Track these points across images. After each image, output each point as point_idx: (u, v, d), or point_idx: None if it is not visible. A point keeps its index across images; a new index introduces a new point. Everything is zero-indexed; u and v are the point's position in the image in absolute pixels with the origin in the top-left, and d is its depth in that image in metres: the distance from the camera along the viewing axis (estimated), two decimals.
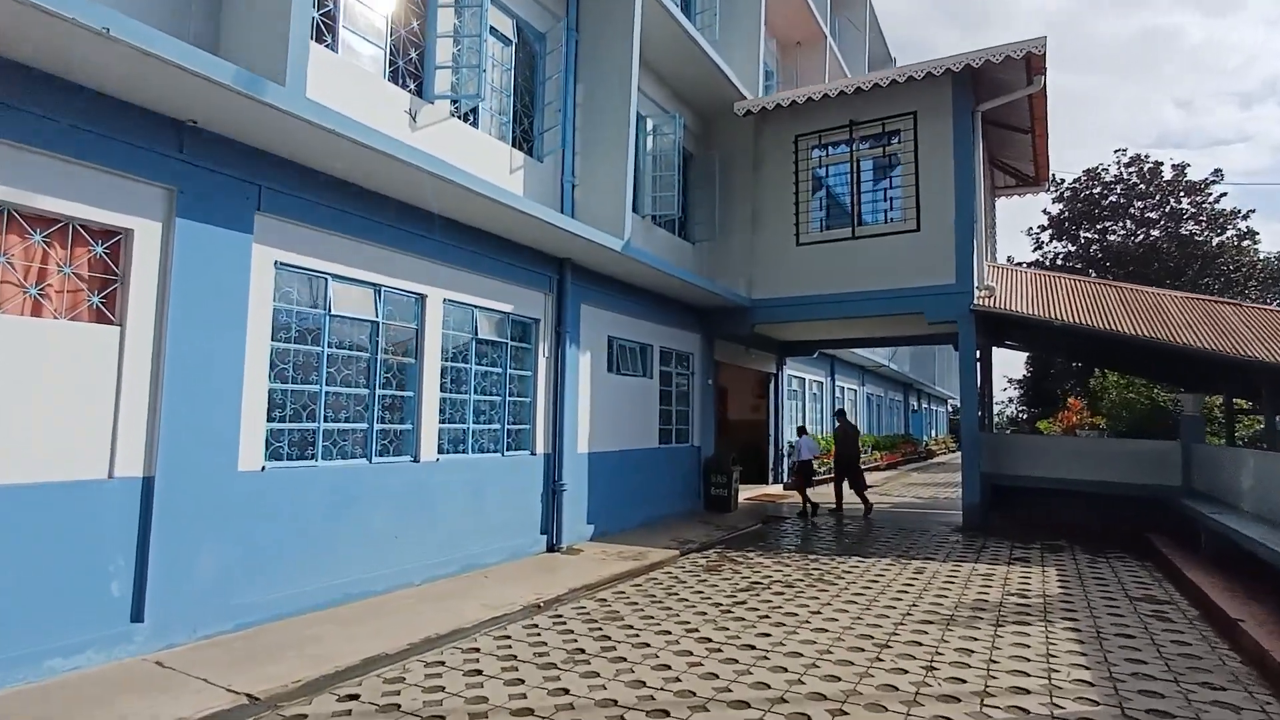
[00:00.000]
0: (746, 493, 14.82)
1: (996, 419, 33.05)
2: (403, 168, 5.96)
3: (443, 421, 7.32)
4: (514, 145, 8.55)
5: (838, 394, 21.73)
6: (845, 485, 12.93)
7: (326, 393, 6.12)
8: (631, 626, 5.49)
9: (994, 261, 13.93)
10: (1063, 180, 33.95)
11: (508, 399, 8.22)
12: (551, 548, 8.57)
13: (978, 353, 12.06)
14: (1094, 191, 32.91)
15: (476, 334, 7.77)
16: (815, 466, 12.85)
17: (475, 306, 7.76)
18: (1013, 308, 10.53)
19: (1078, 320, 9.92)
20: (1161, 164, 31.45)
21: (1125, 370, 15.00)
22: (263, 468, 5.49)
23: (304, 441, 5.96)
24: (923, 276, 11.13)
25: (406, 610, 5.87)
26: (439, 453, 7.22)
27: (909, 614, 5.86)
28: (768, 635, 5.26)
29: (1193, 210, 30.76)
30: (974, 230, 10.87)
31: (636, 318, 10.81)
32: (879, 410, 28.01)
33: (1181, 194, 30.89)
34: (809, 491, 12.35)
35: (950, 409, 51.38)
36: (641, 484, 10.75)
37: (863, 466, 20.88)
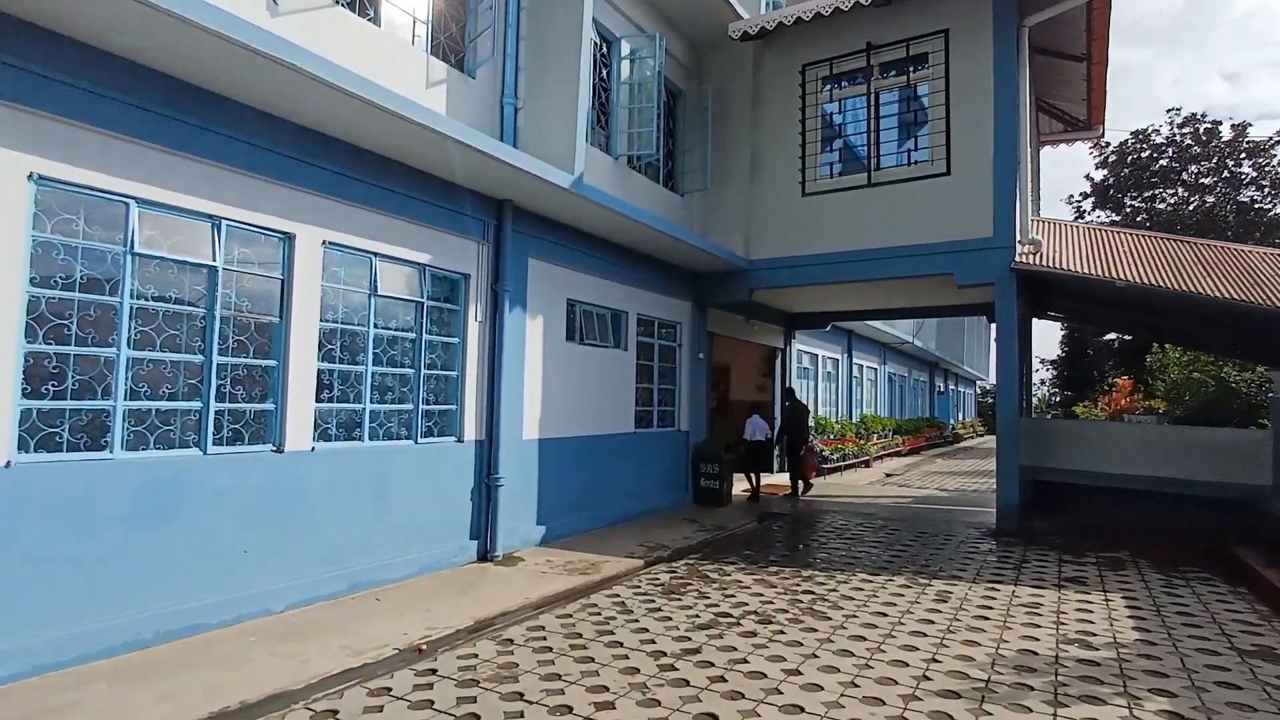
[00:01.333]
0: (745, 483, 13.11)
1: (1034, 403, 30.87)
2: (234, 53, 4.30)
3: (324, 400, 5.71)
4: (435, 54, 6.82)
5: (855, 372, 19.84)
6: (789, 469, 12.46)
7: (131, 359, 4.52)
8: (523, 694, 3.85)
9: (1038, 216, 11.92)
10: (1108, 144, 31.30)
11: (424, 372, 6.57)
12: (484, 556, 6.97)
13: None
14: (1142, 155, 30.22)
15: (376, 289, 6.11)
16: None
17: (375, 254, 6.10)
18: (1064, 266, 8.61)
19: (1148, 281, 7.99)
20: (1220, 124, 28.67)
21: (1201, 345, 12.88)
22: (8, 463, 3.90)
23: (96, 426, 4.37)
24: (953, 229, 9.23)
25: (233, 656, 4.29)
26: (317, 440, 5.61)
27: (926, 677, 4.14)
28: (712, 718, 3.58)
29: (1254, 175, 27.98)
30: (1017, 172, 8.94)
31: (606, 278, 9.08)
32: (901, 391, 26.04)
33: (1243, 156, 28.12)
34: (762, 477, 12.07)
35: (978, 391, 49.03)
36: (612, 476, 9.09)
37: (882, 453, 19.18)
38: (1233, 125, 28.60)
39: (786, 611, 5.40)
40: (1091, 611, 5.48)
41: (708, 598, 5.78)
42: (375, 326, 6.13)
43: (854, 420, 18.69)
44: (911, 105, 9.83)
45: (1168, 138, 29.74)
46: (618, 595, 5.88)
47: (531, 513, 7.68)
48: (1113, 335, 35.45)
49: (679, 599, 5.74)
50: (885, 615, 5.33)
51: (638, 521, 9.25)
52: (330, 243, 5.67)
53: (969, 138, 9.22)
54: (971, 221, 9.13)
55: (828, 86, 10.41)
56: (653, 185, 10.24)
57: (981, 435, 39.32)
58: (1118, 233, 10.12)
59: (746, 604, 5.59)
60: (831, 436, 15.85)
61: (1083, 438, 9.36)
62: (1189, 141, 29.33)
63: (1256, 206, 27.60)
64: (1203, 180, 29.00)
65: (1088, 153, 34.74)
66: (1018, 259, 8.81)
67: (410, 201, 6.33)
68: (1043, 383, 43.86)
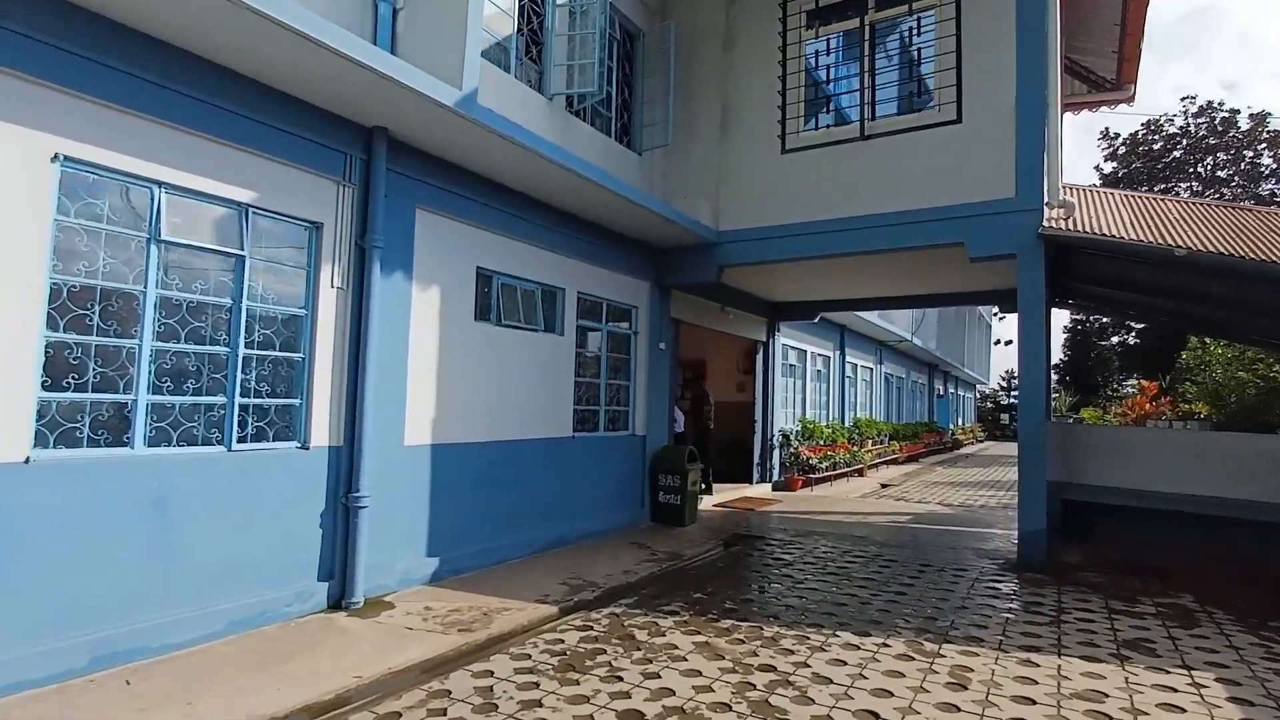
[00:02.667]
0: (721, 496, 11.36)
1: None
2: None
3: (63, 388, 3.92)
4: None
5: (848, 372, 18.08)
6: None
7: None
8: None
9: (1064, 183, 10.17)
10: (1118, 135, 29.69)
11: (245, 353, 4.79)
12: (338, 603, 5.17)
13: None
14: (1154, 147, 28.62)
15: (159, 233, 4.32)
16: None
17: (160, 184, 4.31)
18: (1109, 232, 6.87)
19: (1218, 249, 6.24)
20: (1237, 113, 27.04)
21: (1253, 339, 11.12)
22: None
23: None
24: (966, 190, 7.49)
25: None
26: (49, 445, 3.83)
27: None
28: None
29: (1275, 166, 26.37)
30: (1045, 119, 7.20)
31: (535, 245, 7.31)
32: (899, 393, 24.28)
33: (1262, 147, 26.50)
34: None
35: (978, 395, 47.35)
36: (540, 491, 7.31)
37: (877, 460, 17.43)
38: (1251, 115, 27.01)
39: (729, 708, 3.61)
40: (1183, 709, 3.70)
41: (619, 678, 3.99)
42: (159, 286, 4.34)
43: (846, 424, 16.94)
44: (914, 40, 8.09)
45: (1181, 128, 28.18)
46: (491, 672, 4.09)
47: (419, 541, 5.90)
48: (1116, 339, 33.85)
49: (576, 681, 3.95)
50: (875, 716, 3.55)
51: (574, 548, 7.47)
52: (70, 158, 3.88)
53: (985, 77, 7.48)
54: (988, 179, 7.39)
55: (814, 22, 8.66)
56: (602, 138, 8.48)
57: (982, 441, 37.67)
58: (1163, 200, 8.41)
59: (673, 691, 3.81)
60: (821, 442, 14.09)
61: (1124, 447, 7.62)
62: (1204, 132, 27.74)
63: (1277, 200, 26.00)
64: (1219, 173, 27.41)
65: (1095, 144, 33.17)
66: (1047, 222, 7.07)
67: (224, 115, 4.55)
68: None
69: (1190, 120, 27.90)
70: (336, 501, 5.22)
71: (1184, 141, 27.93)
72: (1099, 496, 7.52)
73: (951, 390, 34.22)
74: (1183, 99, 32.22)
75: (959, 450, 28.89)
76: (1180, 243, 6.63)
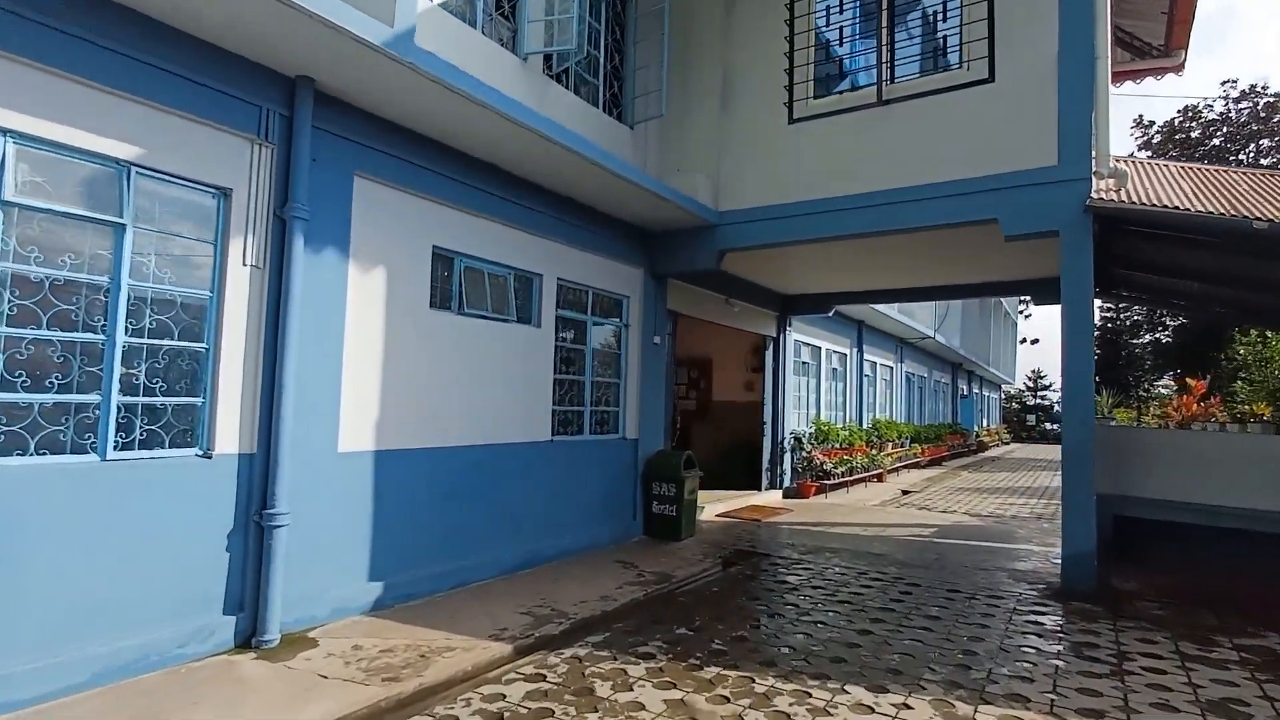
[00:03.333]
0: (726, 504, 10.45)
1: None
2: None
3: None
4: None
5: (866, 370, 17.03)
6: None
7: None
8: None
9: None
10: (1152, 123, 28.28)
11: (129, 342, 3.97)
12: (249, 640, 4.34)
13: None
14: (1192, 135, 27.16)
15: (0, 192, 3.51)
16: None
17: (3, 131, 3.50)
18: (1171, 204, 5.87)
19: None
20: None
21: None
22: None
23: None
24: (999, 158, 6.52)
25: None
26: None
27: None
28: None
29: None
30: (1093, 72, 6.20)
31: (506, 224, 6.46)
32: (920, 393, 23.15)
33: None
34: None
35: (1003, 395, 45.85)
36: (511, 503, 6.45)
37: (898, 464, 16.39)
38: None
39: None
40: None
41: None
42: (11, 259, 3.54)
43: (864, 426, 15.92)
44: None
45: (1221, 114, 26.67)
46: None
47: (357, 565, 5.06)
48: (1149, 337, 32.37)
49: None
50: None
51: (551, 567, 6.61)
52: None
53: (1022, 27, 6.51)
54: (1026, 146, 6.41)
55: None
56: (587, 107, 7.62)
57: (1008, 444, 36.33)
58: (1230, 171, 7.34)
59: None
60: (836, 446, 13.10)
61: (1188, 455, 6.59)
62: (1246, 118, 26.24)
63: None
64: (1262, 160, 25.87)
65: (1129, 131, 31.69)
66: (1095, 193, 6.08)
67: (98, 53, 3.73)
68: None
69: (1231, 106, 26.44)
70: (248, 519, 4.40)
71: (1224, 129, 26.47)
72: (1159, 513, 6.51)
73: (976, 390, 32.93)
74: (1223, 83, 30.32)
75: (984, 453, 27.65)
76: (1258, 215, 5.61)
